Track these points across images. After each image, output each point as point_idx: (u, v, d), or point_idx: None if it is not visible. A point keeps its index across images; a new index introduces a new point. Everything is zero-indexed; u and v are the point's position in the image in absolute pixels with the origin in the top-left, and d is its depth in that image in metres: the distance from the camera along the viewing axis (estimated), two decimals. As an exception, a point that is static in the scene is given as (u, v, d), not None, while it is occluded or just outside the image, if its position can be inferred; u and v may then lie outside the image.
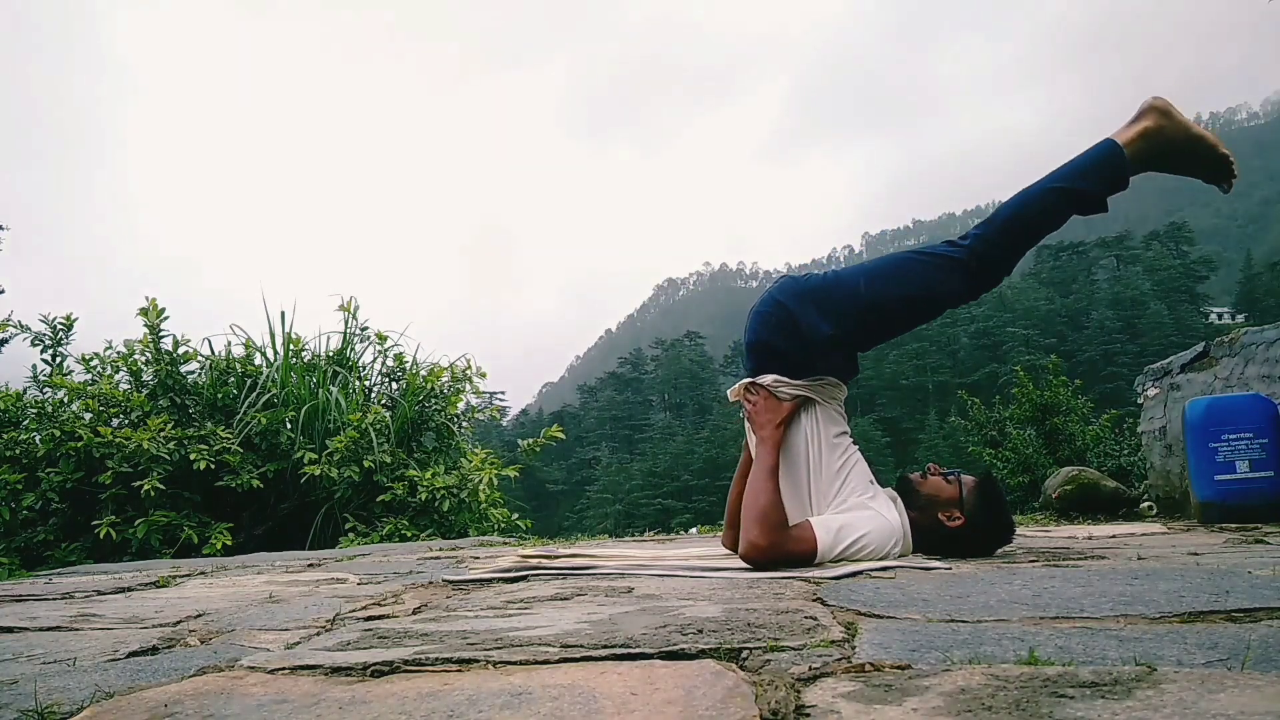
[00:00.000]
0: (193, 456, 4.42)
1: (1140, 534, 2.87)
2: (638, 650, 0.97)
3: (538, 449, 5.75)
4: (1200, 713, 0.64)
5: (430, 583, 1.96)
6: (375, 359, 5.82)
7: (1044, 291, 77.59)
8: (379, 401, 5.62)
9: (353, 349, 5.77)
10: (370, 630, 1.24)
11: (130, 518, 4.35)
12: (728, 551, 2.30)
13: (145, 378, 5.03)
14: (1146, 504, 4.04)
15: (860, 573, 1.69)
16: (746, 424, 2.12)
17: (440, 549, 3.35)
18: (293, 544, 4.68)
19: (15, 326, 5.15)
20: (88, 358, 5.10)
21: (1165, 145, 2.01)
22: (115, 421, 4.76)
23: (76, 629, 1.45)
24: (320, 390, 5.19)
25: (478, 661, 0.95)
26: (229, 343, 5.58)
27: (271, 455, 4.90)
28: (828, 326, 2.00)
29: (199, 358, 5.26)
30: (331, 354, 5.67)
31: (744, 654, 0.94)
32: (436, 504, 4.74)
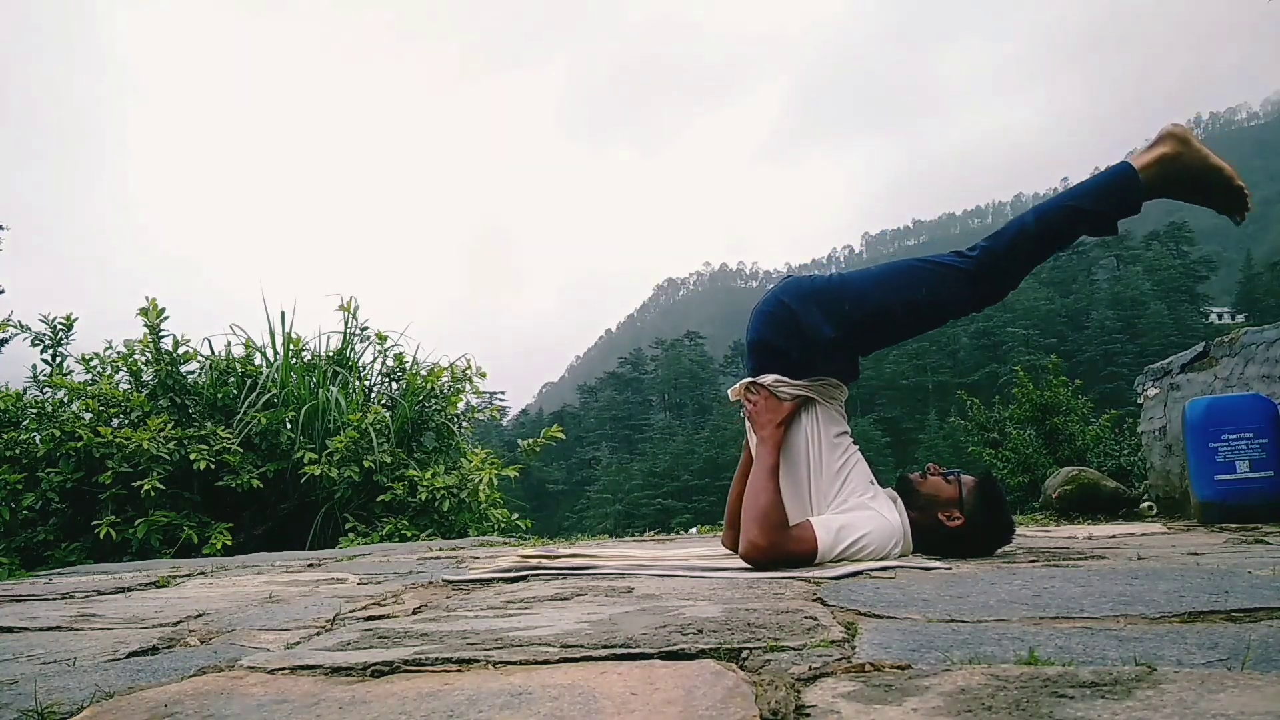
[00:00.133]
0: (193, 456, 4.42)
1: (1140, 534, 2.87)
2: (638, 650, 0.97)
3: (538, 449, 5.75)
4: (1200, 713, 0.64)
5: (430, 583, 1.96)
6: (375, 359, 5.82)
7: (1044, 291, 77.58)
8: (379, 401, 5.62)
9: (353, 349, 5.77)
10: (370, 630, 1.24)
11: (130, 518, 4.35)
12: (728, 551, 2.30)
13: (145, 378, 5.03)
14: (1146, 504, 4.04)
15: (860, 573, 1.69)
16: (747, 424, 2.12)
17: (440, 549, 3.35)
18: (293, 544, 4.68)
19: (15, 326, 5.15)
20: (88, 358, 5.09)
21: (1182, 173, 2.00)
22: (115, 421, 4.76)
23: (76, 629, 1.45)
24: (320, 390, 5.19)
25: (478, 661, 0.95)
26: (229, 343, 5.58)
27: (271, 455, 4.90)
28: (830, 329, 2.00)
29: (199, 358, 5.26)
30: (331, 354, 5.67)
31: (744, 654, 0.94)
32: (436, 504, 4.74)
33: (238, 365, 5.32)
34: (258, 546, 4.46)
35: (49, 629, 1.46)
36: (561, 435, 5.81)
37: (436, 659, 0.97)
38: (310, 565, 2.77)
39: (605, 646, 1.00)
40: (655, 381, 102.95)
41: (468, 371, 5.56)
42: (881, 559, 1.87)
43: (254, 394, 5.04)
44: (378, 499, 4.73)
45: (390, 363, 5.79)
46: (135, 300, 5.18)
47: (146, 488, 4.24)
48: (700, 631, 1.08)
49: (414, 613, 1.48)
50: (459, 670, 0.92)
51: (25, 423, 4.66)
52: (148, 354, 5.04)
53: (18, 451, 4.46)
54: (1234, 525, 3.02)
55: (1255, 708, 0.64)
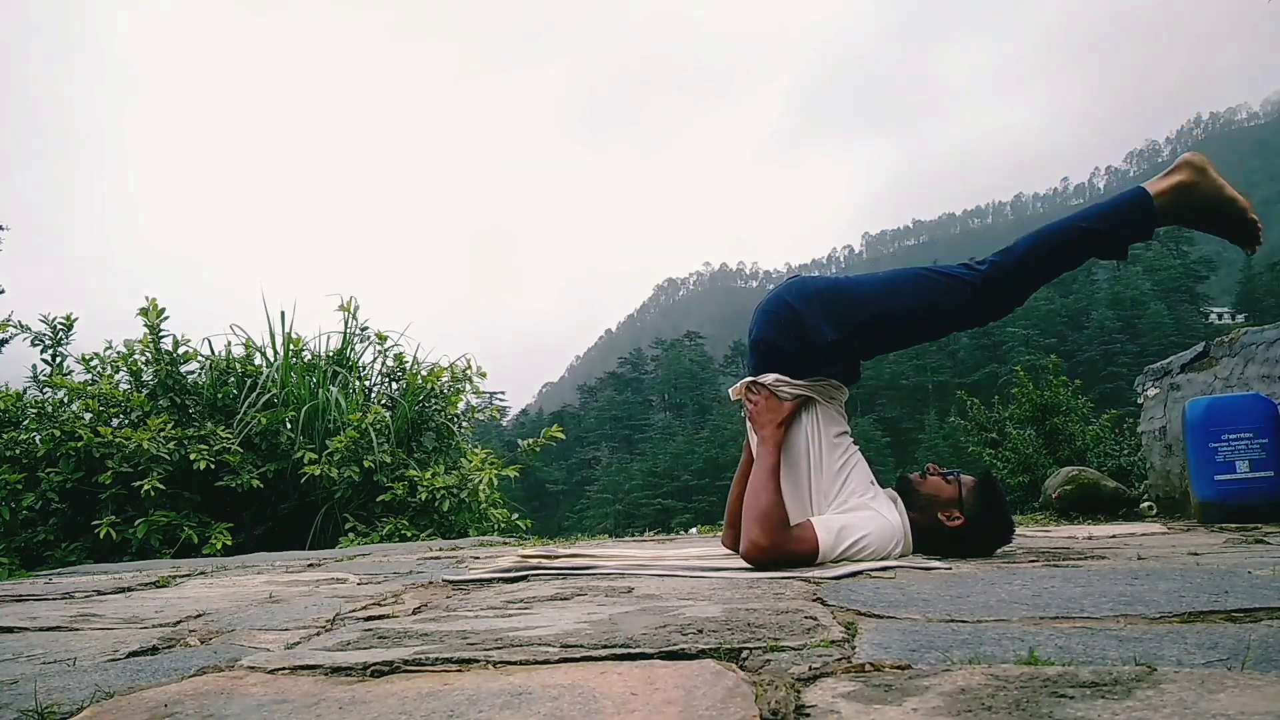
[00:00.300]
0: (193, 456, 4.42)
1: (1140, 534, 2.87)
2: (638, 650, 0.97)
3: (538, 449, 5.75)
4: (1200, 713, 0.64)
5: (430, 583, 1.96)
6: (375, 359, 5.82)
7: (1044, 291, 77.47)
8: (379, 401, 5.62)
9: (353, 349, 5.77)
10: (370, 630, 1.24)
11: (130, 518, 4.35)
12: (728, 551, 2.30)
13: (145, 378, 5.03)
14: (1146, 504, 4.04)
15: (860, 573, 1.69)
16: (748, 423, 2.12)
17: (440, 549, 3.35)
18: (293, 544, 4.68)
19: (15, 326, 5.15)
20: (88, 358, 5.09)
21: (1197, 202, 2.00)
22: (115, 421, 4.76)
23: (76, 629, 1.45)
24: (320, 390, 5.19)
25: (478, 661, 0.95)
26: (229, 343, 5.58)
27: (271, 455, 4.90)
28: (832, 331, 2.00)
29: (199, 358, 5.26)
30: (331, 354, 5.67)
31: (744, 654, 0.94)
32: (436, 504, 4.74)
33: (238, 365, 5.32)
34: (258, 546, 4.46)
35: (49, 629, 1.46)
36: (561, 435, 5.81)
37: (436, 659, 0.97)
38: (310, 565, 2.77)
39: (605, 646, 1.00)
40: (655, 381, 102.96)
41: (468, 371, 5.56)
42: (882, 559, 1.87)
43: (254, 394, 5.04)
44: (378, 499, 4.73)
45: (390, 363, 5.79)
46: (135, 300, 5.19)
47: (146, 488, 4.24)
48: (700, 631, 1.08)
49: (414, 613, 1.48)
50: (459, 670, 0.92)
51: (25, 423, 4.66)
52: (148, 354, 5.04)
53: (18, 451, 4.46)
54: (1234, 525, 3.02)
55: (1255, 708, 0.64)
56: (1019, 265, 2.01)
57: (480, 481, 4.91)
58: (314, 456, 4.68)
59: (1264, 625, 1.00)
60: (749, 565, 1.88)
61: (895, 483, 2.12)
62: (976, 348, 73.85)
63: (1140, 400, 4.32)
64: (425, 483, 4.72)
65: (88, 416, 4.67)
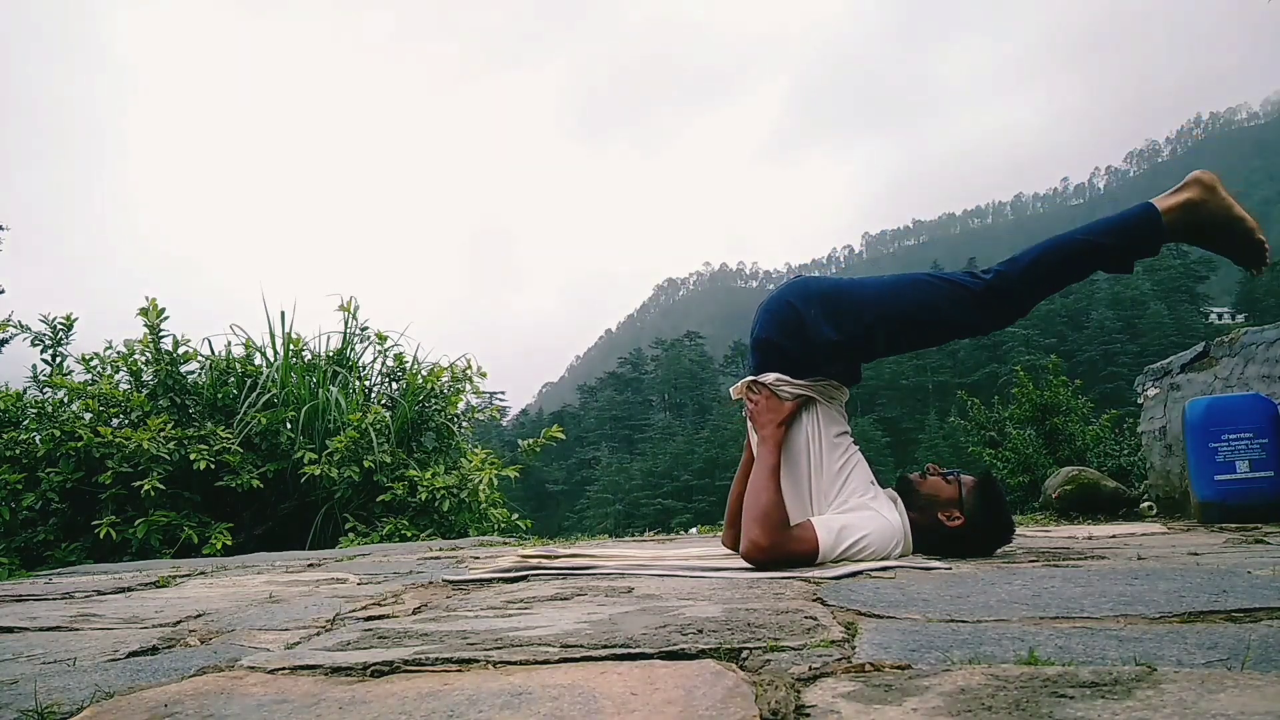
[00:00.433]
0: (193, 456, 4.42)
1: (1140, 534, 2.87)
2: (638, 650, 0.97)
3: (538, 449, 5.75)
4: (1200, 713, 0.64)
5: (430, 583, 1.96)
6: (375, 359, 5.82)
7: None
8: (379, 401, 5.62)
9: (353, 349, 5.77)
10: (370, 630, 1.24)
11: (130, 518, 4.35)
12: (728, 551, 2.30)
13: (145, 378, 5.03)
14: (1146, 504, 4.04)
15: (860, 573, 1.69)
16: (748, 423, 2.12)
17: (440, 549, 3.35)
18: (293, 544, 4.68)
19: (15, 326, 5.15)
20: (88, 358, 5.09)
21: (1204, 220, 1.99)
22: (115, 421, 4.76)
23: (76, 629, 1.45)
24: (320, 390, 5.19)
25: (478, 661, 0.95)
26: (229, 343, 5.58)
27: (271, 455, 4.90)
28: (833, 332, 2.00)
29: (199, 358, 5.26)
30: (331, 354, 5.67)
31: (744, 654, 0.94)
32: (436, 504, 4.74)
33: (238, 365, 5.32)
34: (258, 546, 4.46)
35: (49, 629, 1.46)
36: (561, 435, 5.81)
37: (436, 659, 0.97)
38: (310, 565, 2.77)
39: (605, 646, 1.00)
40: (655, 381, 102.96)
41: (468, 371, 5.56)
42: (882, 559, 1.87)
43: (254, 394, 5.04)
44: (378, 499, 4.73)
45: (390, 363, 5.79)
46: (135, 300, 5.19)
47: (146, 488, 4.24)
48: (700, 631, 1.08)
49: (414, 613, 1.48)
50: (459, 670, 0.92)
51: (25, 423, 4.66)
52: (148, 354, 5.04)
53: (18, 451, 4.46)
54: (1234, 525, 3.02)
55: (1255, 708, 0.64)
56: (1023, 275, 2.01)
57: (480, 481, 4.91)
58: (314, 456, 4.68)
59: (1264, 625, 1.00)
60: (749, 565, 1.88)
61: (895, 483, 2.12)
62: (976, 348, 73.84)
63: (1140, 400, 4.32)
64: (425, 483, 4.72)
65: (88, 416, 4.67)
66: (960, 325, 2.07)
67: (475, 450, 5.47)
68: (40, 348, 5.15)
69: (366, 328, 5.78)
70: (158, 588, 2.21)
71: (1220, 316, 69.14)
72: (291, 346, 5.49)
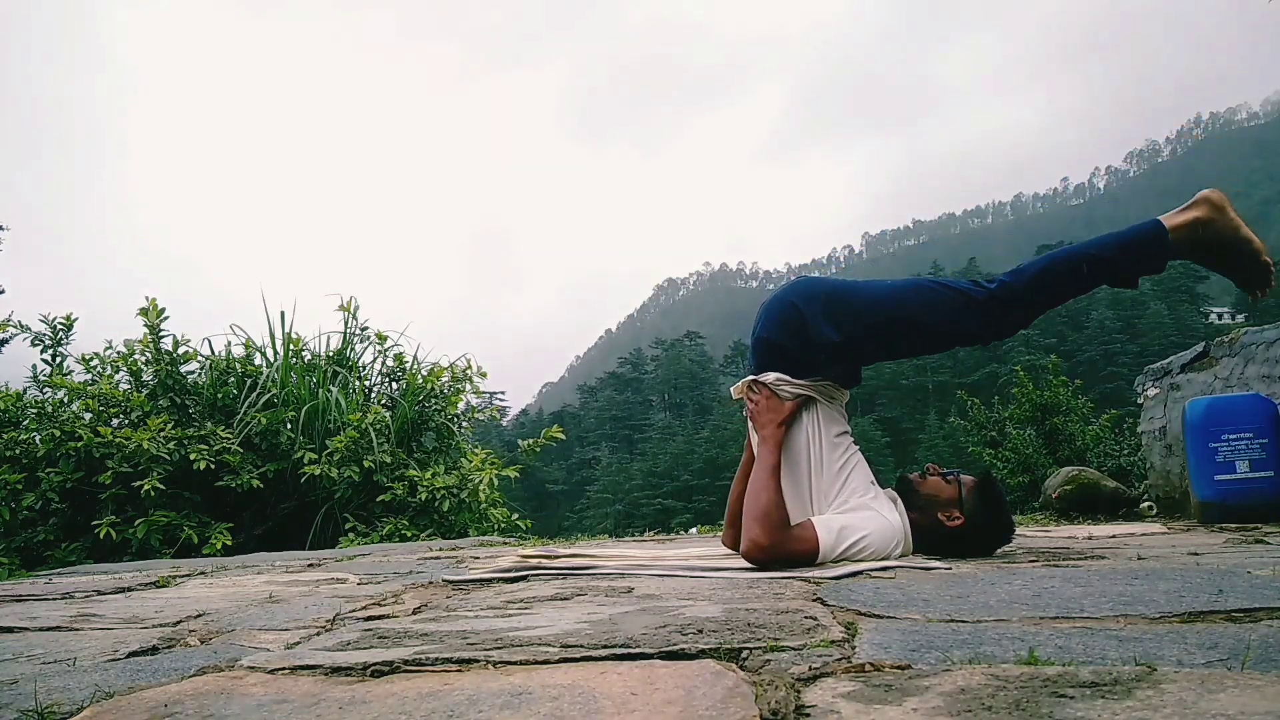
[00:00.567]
0: (193, 456, 4.42)
1: (1140, 534, 2.87)
2: (638, 650, 0.97)
3: (538, 449, 5.75)
4: (1200, 713, 0.64)
5: (430, 583, 1.96)
6: (375, 359, 5.82)
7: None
8: (379, 401, 5.62)
9: (353, 349, 5.77)
10: (370, 630, 1.24)
11: (130, 518, 4.35)
12: (728, 551, 2.30)
13: (145, 378, 5.03)
14: (1146, 504, 4.04)
15: (860, 573, 1.69)
16: (749, 422, 2.12)
17: (440, 549, 3.35)
18: (293, 544, 4.69)
19: (15, 326, 5.15)
20: (88, 358, 5.09)
21: (1211, 239, 1.98)
22: (115, 421, 4.76)
23: (76, 629, 1.45)
24: (320, 390, 5.19)
25: (478, 661, 0.95)
26: (229, 343, 5.58)
27: (271, 455, 4.90)
28: (833, 333, 1.99)
29: (199, 358, 5.26)
30: (331, 354, 5.67)
31: (744, 654, 0.94)
32: (436, 504, 4.74)
33: (238, 365, 5.32)
34: (258, 546, 4.46)
35: (49, 629, 1.46)
36: (561, 435, 5.81)
37: (436, 659, 0.97)
38: (310, 565, 2.77)
39: (605, 646, 1.00)
40: (655, 381, 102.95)
41: (468, 371, 5.56)
42: (882, 559, 1.87)
43: (254, 394, 5.04)
44: (378, 499, 4.73)
45: (390, 363, 5.79)
46: (135, 300, 5.19)
47: (146, 488, 4.24)
48: (700, 631, 1.08)
49: (414, 613, 1.48)
50: (459, 670, 0.92)
51: (25, 423, 4.66)
52: (148, 354, 5.04)
53: (18, 451, 4.46)
54: (1234, 525, 3.02)
55: (1255, 708, 0.64)
56: (1028, 287, 2.00)
57: (480, 481, 4.91)
58: (314, 456, 4.68)
59: (1264, 625, 1.00)
60: (749, 565, 1.88)
61: (895, 483, 2.12)
62: (976, 348, 73.75)
63: (1140, 400, 4.32)
64: (425, 483, 4.72)
65: (88, 416, 4.67)
66: (962, 333, 2.07)
67: (475, 450, 5.47)
68: (40, 348, 5.15)
69: (366, 328, 5.78)
70: (158, 588, 2.21)
71: (1220, 316, 69.14)
72: (291, 346, 5.49)
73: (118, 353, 5.16)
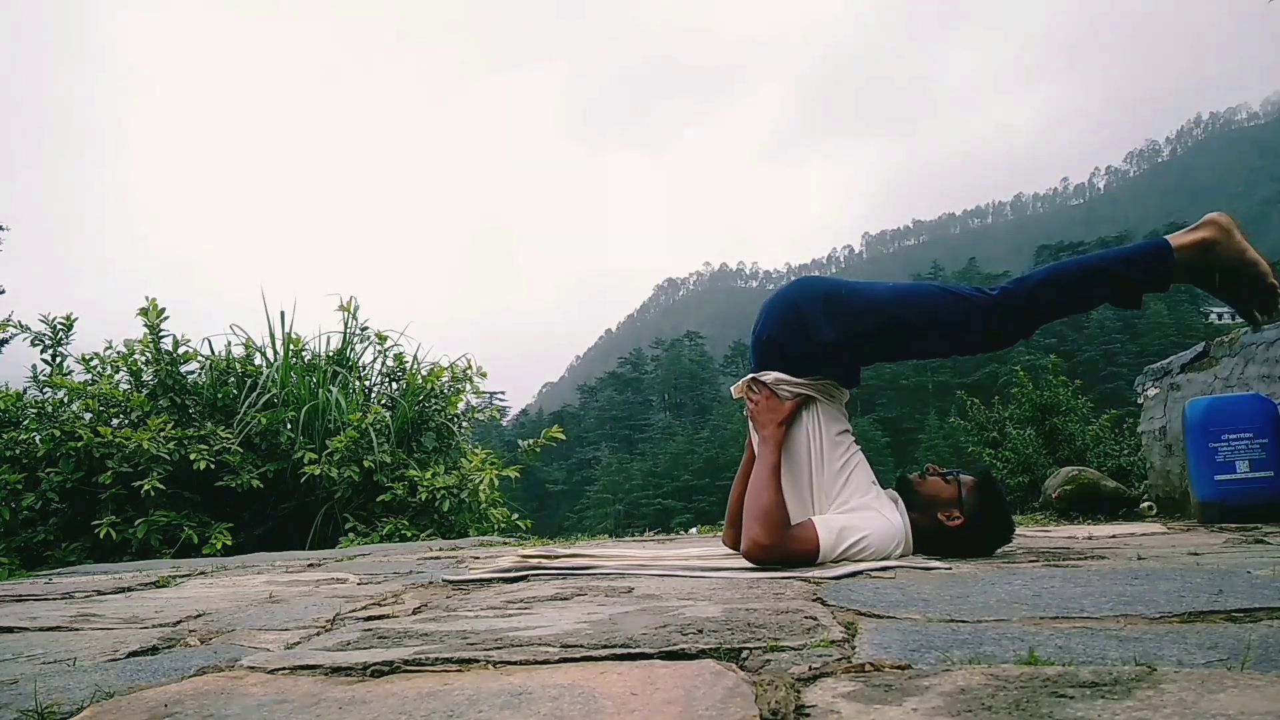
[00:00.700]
0: (193, 456, 4.42)
1: (1140, 534, 2.87)
2: (638, 650, 0.97)
3: (538, 449, 5.75)
4: (1200, 713, 0.64)
5: (430, 583, 1.96)
6: (375, 359, 5.82)
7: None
8: (379, 401, 5.62)
9: (353, 349, 5.77)
10: (370, 630, 1.24)
11: (130, 518, 4.35)
12: (728, 551, 2.30)
13: (145, 378, 5.03)
14: (1146, 504, 4.04)
15: (860, 573, 1.69)
16: (749, 422, 2.12)
17: (440, 549, 3.35)
18: (293, 544, 4.69)
19: (15, 326, 5.15)
20: (88, 358, 5.09)
21: (1217, 261, 1.97)
22: (115, 421, 4.76)
23: (76, 629, 1.45)
24: (320, 390, 5.18)
25: (478, 661, 0.95)
26: (229, 343, 5.58)
27: (271, 455, 4.90)
28: (832, 332, 1.99)
29: (199, 358, 5.26)
30: (331, 354, 5.66)
31: (744, 654, 0.94)
32: (436, 504, 4.74)
33: (238, 365, 5.32)
34: (258, 546, 4.46)
35: (49, 629, 1.46)
36: (562, 436, 5.81)
37: (436, 659, 0.97)
38: (310, 565, 2.77)
39: (605, 646, 1.00)
40: (655, 381, 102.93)
41: (468, 371, 5.56)
42: (882, 559, 1.87)
43: (254, 394, 5.04)
44: (378, 499, 4.73)
45: (390, 363, 5.79)
46: (135, 300, 5.19)
47: (146, 488, 4.24)
48: (700, 631, 1.08)
49: (414, 613, 1.48)
50: (459, 670, 0.92)
51: (25, 423, 4.66)
52: (148, 354, 5.04)
53: (18, 451, 4.47)
54: (1234, 525, 3.02)
55: (1255, 708, 0.64)
56: (1030, 296, 2.00)
57: (480, 482, 4.92)
58: (314, 456, 4.68)
59: (1264, 625, 1.00)
60: (749, 565, 1.88)
61: (895, 483, 2.12)
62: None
63: (1140, 400, 4.32)
64: (425, 483, 4.72)
65: (88, 416, 4.67)
66: (961, 339, 2.06)
67: (475, 450, 5.47)
68: (40, 348, 5.15)
69: (366, 328, 5.78)
70: (158, 588, 2.21)
71: (1220, 316, 69.09)
72: (291, 346, 5.49)
73: (118, 353, 5.16)
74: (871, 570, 1.72)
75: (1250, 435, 3.21)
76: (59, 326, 5.21)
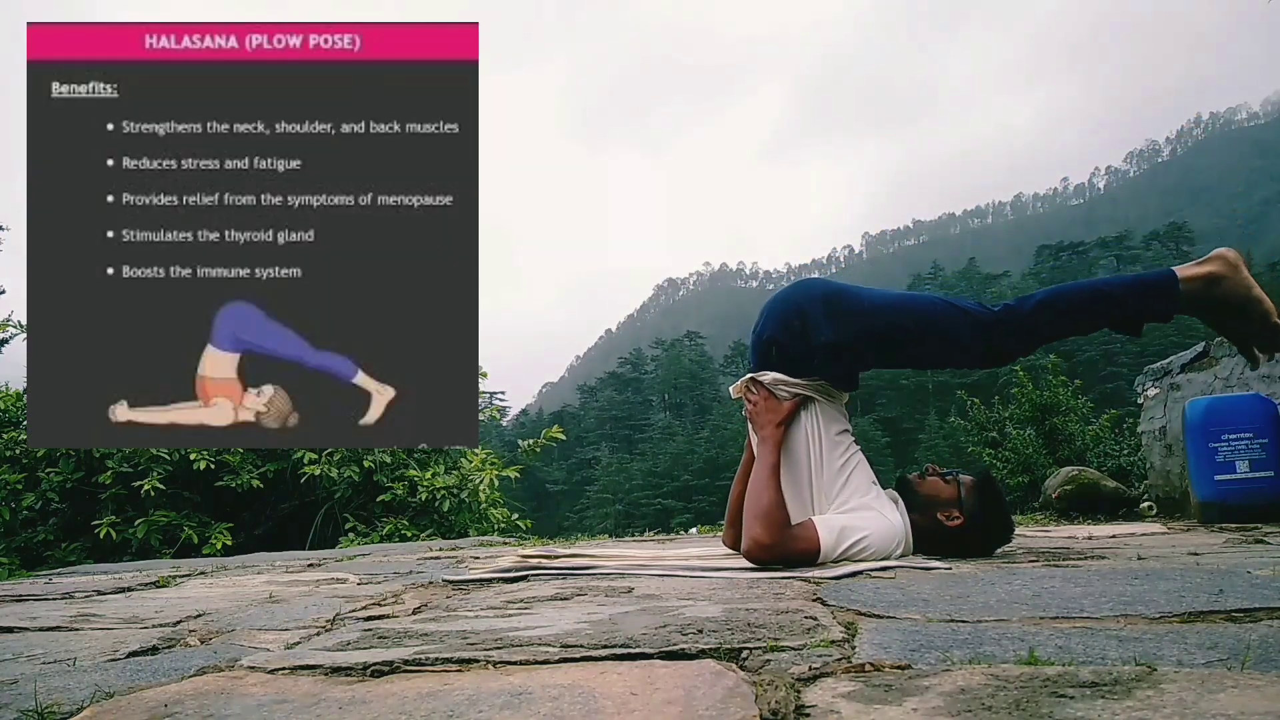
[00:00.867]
0: (193, 456, 4.42)
1: (1140, 534, 2.88)
2: (638, 650, 0.97)
3: (538, 449, 5.75)
4: (1200, 713, 0.64)
5: (430, 583, 1.96)
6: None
7: (1043, 291, 77.42)
8: (379, 401, 5.61)
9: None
10: (370, 630, 1.24)
11: (130, 518, 4.35)
12: (728, 551, 2.31)
13: (145, 378, 5.03)
14: (1146, 504, 4.04)
15: (860, 573, 1.69)
16: (748, 422, 2.12)
17: (440, 549, 3.35)
18: (293, 544, 4.69)
19: (15, 326, 5.15)
20: (88, 358, 5.09)
21: (1222, 296, 1.97)
22: (115, 421, 4.76)
23: (76, 629, 1.45)
24: (320, 390, 5.18)
25: (478, 661, 0.95)
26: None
27: (271, 455, 4.90)
28: (831, 333, 1.99)
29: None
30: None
31: (744, 654, 0.94)
32: (436, 504, 4.74)
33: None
34: (258, 546, 4.47)
35: (49, 629, 1.46)
36: (562, 436, 5.81)
37: (436, 659, 0.97)
38: (310, 565, 2.78)
39: (605, 646, 1.00)
40: (655, 381, 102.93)
41: (468, 371, 5.55)
42: (883, 560, 1.87)
43: (254, 394, 5.04)
44: (378, 499, 4.74)
45: (390, 363, 5.78)
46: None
47: (146, 488, 4.24)
48: (700, 631, 1.08)
49: (414, 613, 1.48)
50: (459, 670, 0.92)
51: (25, 423, 4.66)
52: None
53: (18, 451, 4.47)
54: (1234, 525, 3.03)
55: (1255, 708, 0.64)
56: (1032, 313, 2.00)
57: (480, 482, 4.92)
58: (314, 456, 4.68)
59: (1264, 625, 1.00)
60: (749, 565, 1.88)
61: (895, 483, 2.12)
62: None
63: (1140, 400, 4.32)
64: (425, 483, 4.72)
65: (88, 416, 4.67)
66: (959, 351, 2.06)
67: (475, 451, 5.47)
68: (40, 348, 5.14)
69: (366, 327, 5.77)
70: (158, 588, 2.21)
71: (1220, 316, 68.97)
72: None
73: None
74: (871, 570, 1.72)
75: (1250, 435, 3.21)
76: (59, 326, 5.21)
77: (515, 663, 0.94)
